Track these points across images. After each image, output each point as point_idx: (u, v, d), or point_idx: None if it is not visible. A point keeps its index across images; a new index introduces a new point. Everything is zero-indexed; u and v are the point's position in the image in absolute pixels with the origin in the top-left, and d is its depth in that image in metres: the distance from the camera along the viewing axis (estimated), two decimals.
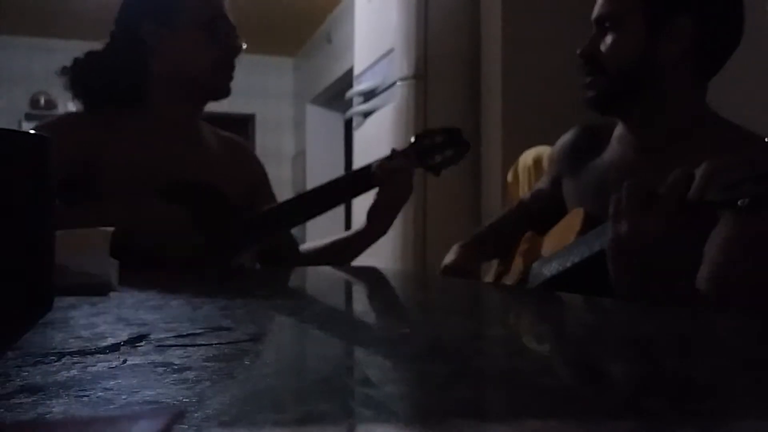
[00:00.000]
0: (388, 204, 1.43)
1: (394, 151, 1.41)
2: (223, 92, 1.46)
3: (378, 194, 1.41)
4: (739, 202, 0.76)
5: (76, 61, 1.42)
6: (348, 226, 3.90)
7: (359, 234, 1.48)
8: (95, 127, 1.37)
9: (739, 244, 0.96)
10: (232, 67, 1.45)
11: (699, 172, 0.82)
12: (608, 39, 1.16)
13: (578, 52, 1.20)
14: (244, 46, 1.47)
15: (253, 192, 1.54)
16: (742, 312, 0.91)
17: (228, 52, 1.44)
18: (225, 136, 1.60)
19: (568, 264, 1.09)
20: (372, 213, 1.43)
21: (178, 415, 0.28)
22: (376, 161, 1.40)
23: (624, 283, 0.91)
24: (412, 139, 1.44)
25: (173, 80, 1.41)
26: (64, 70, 1.41)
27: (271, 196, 1.60)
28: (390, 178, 1.38)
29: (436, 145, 1.43)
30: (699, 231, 0.92)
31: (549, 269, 1.17)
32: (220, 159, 1.50)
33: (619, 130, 1.24)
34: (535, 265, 1.26)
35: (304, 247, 1.56)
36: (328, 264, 1.50)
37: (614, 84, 1.16)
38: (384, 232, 1.47)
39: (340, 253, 1.51)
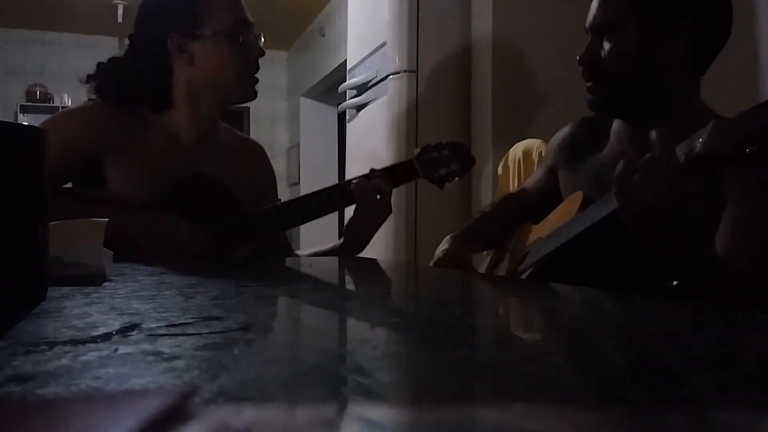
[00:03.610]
0: (364, 223, 1.42)
1: (372, 170, 1.39)
2: (249, 96, 1.47)
3: (355, 212, 1.41)
4: (747, 150, 0.78)
5: (99, 66, 1.43)
6: (341, 231, 3.93)
7: (336, 250, 1.48)
8: (114, 117, 1.38)
9: (745, 232, 0.98)
10: (256, 71, 1.46)
11: (707, 129, 0.84)
12: (606, 46, 1.17)
13: (577, 59, 1.21)
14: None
15: (260, 196, 1.54)
16: (733, 303, 0.92)
17: (253, 60, 1.44)
18: (241, 138, 1.63)
19: (571, 236, 1.11)
20: (348, 230, 1.43)
21: (190, 391, 0.28)
22: (356, 178, 1.39)
23: (642, 244, 0.96)
24: (417, 151, 1.44)
25: (199, 88, 1.43)
26: (89, 78, 1.43)
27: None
28: (367, 197, 1.37)
29: (442, 158, 1.43)
30: (708, 201, 0.96)
31: (549, 244, 1.18)
32: (232, 158, 1.51)
33: (617, 125, 1.25)
34: (536, 243, 1.27)
35: (297, 252, 1.58)
36: None
37: (615, 88, 1.18)
38: (360, 250, 1.47)
39: None
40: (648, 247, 0.97)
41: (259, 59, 1.45)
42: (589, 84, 1.21)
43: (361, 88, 3.20)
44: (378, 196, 1.38)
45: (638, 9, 1.14)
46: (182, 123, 1.44)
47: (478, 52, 2.74)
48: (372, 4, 3.10)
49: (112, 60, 1.44)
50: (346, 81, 3.41)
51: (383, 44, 2.94)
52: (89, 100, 1.49)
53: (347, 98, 3.39)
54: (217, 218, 1.34)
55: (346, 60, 3.53)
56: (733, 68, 2.44)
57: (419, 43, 2.82)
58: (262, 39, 1.48)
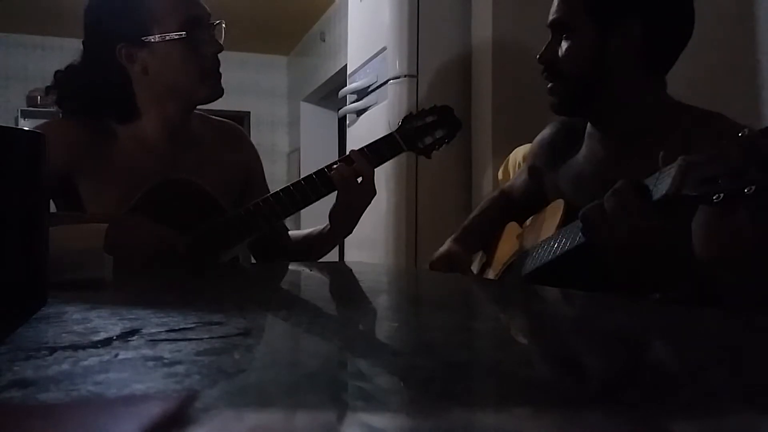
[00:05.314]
0: (348, 207, 1.37)
1: (352, 152, 1.35)
2: (215, 95, 1.39)
3: (337, 198, 1.36)
4: (714, 197, 0.77)
5: (56, 75, 1.37)
6: None
7: (324, 234, 1.45)
8: (81, 132, 1.33)
9: (717, 240, 0.98)
10: (217, 68, 1.39)
11: (675, 167, 0.84)
12: (563, 45, 1.19)
13: (537, 57, 1.23)
14: (223, 34, 1.39)
15: (246, 181, 1.50)
16: (724, 307, 0.92)
17: (210, 60, 1.37)
18: (217, 124, 1.54)
19: (551, 256, 1.13)
20: (333, 215, 1.39)
21: (191, 397, 0.28)
22: (336, 162, 1.34)
23: (623, 275, 0.99)
24: (399, 122, 1.40)
25: (161, 95, 1.36)
26: (48, 90, 1.37)
27: (264, 185, 1.56)
28: (347, 184, 1.32)
29: (427, 126, 1.38)
30: (680, 221, 0.96)
31: (534, 261, 1.20)
32: (210, 151, 1.45)
33: (589, 127, 1.27)
34: (521, 256, 1.29)
35: (291, 233, 1.55)
36: (305, 255, 1.48)
37: (572, 88, 1.20)
38: (348, 233, 1.43)
39: (311, 248, 1.49)
40: (627, 270, 0.99)
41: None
42: (549, 85, 1.23)
43: (362, 93, 3.20)
44: (360, 179, 1.33)
45: (592, 9, 1.16)
46: (151, 130, 1.37)
47: (479, 56, 2.75)
48: (372, 8, 3.11)
49: (69, 68, 1.36)
50: (346, 86, 3.41)
51: (383, 49, 2.95)
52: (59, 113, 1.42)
53: (347, 103, 3.39)
54: (196, 223, 1.30)
55: (346, 65, 3.53)
56: (733, 68, 2.45)
57: (419, 48, 2.82)
58: (223, 27, 1.38)
